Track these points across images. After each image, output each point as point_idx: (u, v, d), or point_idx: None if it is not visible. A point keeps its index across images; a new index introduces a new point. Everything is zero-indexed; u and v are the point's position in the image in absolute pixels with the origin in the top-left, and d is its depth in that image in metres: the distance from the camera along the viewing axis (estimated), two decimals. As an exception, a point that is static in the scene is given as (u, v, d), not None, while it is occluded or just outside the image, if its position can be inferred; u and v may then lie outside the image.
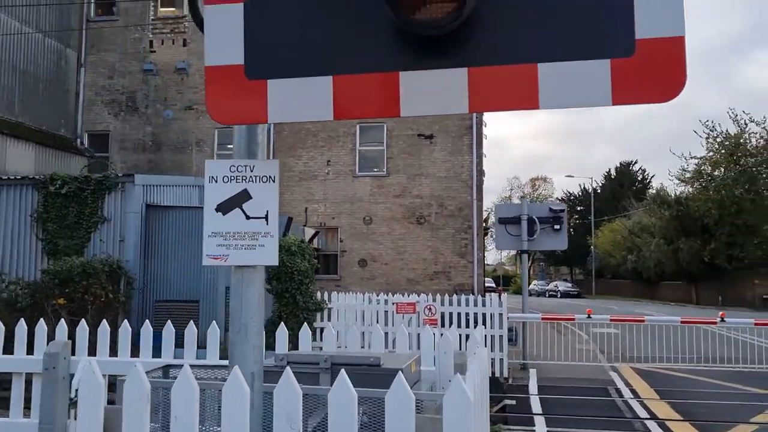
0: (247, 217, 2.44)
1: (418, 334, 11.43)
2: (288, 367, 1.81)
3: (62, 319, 4.54)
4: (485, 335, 11.95)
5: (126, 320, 4.59)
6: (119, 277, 14.73)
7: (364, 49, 2.14)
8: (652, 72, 2.00)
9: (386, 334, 11.66)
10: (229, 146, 23.71)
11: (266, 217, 2.44)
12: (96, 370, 1.82)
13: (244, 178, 2.44)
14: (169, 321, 4.36)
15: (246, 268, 2.43)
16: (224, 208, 2.45)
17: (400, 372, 1.89)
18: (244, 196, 2.43)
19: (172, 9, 24.93)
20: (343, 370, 1.84)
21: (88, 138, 23.61)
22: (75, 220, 15.14)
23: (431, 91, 2.10)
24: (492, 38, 2.07)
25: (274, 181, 2.44)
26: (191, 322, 4.40)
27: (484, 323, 12.59)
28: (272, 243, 2.43)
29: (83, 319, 4.52)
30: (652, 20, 2.01)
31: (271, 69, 2.21)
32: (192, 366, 3.83)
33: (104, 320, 4.53)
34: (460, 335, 7.40)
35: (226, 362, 4.09)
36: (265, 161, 2.48)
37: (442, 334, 3.71)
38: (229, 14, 2.24)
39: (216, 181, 2.46)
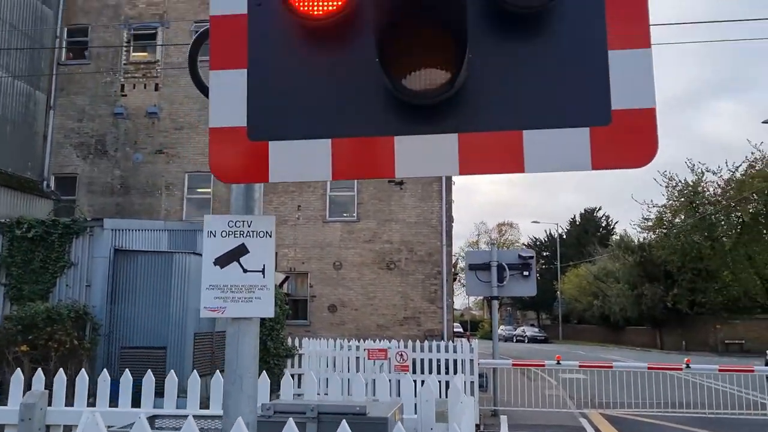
0: (245, 271, 2.52)
1: (389, 380, 11.43)
2: (291, 419, 1.87)
3: (39, 369, 4.49)
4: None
5: (104, 369, 4.56)
6: (85, 323, 14.46)
7: (362, 114, 2.29)
8: (627, 140, 2.19)
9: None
10: (198, 190, 23.67)
11: (263, 271, 2.53)
12: (100, 423, 1.87)
13: (241, 233, 2.54)
14: (149, 371, 4.34)
15: (242, 320, 2.51)
16: (222, 261, 2.54)
17: (399, 422, 1.98)
18: (241, 250, 2.53)
19: (145, 54, 25.08)
20: (344, 421, 1.91)
21: (54, 181, 23.36)
22: (41, 265, 14.88)
23: (424, 154, 2.24)
24: (481, 106, 2.24)
25: (271, 236, 2.54)
26: (171, 371, 4.39)
27: (455, 370, 12.64)
28: (268, 296, 2.51)
29: (61, 369, 4.48)
30: (626, 93, 2.20)
31: (272, 131, 2.33)
32: (175, 416, 3.83)
33: (83, 370, 4.49)
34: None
35: (207, 411, 4.09)
36: (262, 217, 2.59)
37: (423, 382, 3.78)
38: (233, 79, 2.36)
39: (214, 236, 2.54)
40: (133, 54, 25.00)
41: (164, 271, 15.68)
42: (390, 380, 11.56)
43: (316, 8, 2.22)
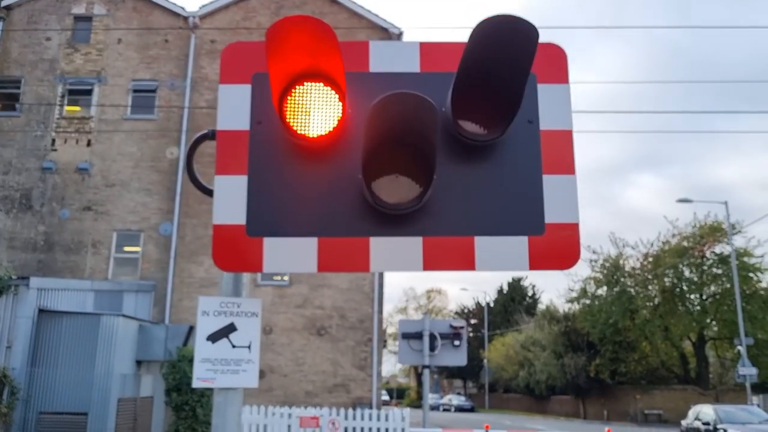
0: (233, 346, 2.88)
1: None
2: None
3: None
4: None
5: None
6: (3, 387, 13.92)
7: (344, 218, 2.76)
8: (557, 247, 2.74)
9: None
10: (126, 249, 23.28)
11: (249, 347, 2.89)
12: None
13: (231, 312, 2.91)
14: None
15: (229, 390, 2.84)
16: (213, 337, 2.88)
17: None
18: (231, 328, 2.89)
19: (79, 108, 24.90)
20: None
21: (-28, 235, 22.60)
22: (-41, 325, 14.33)
23: (394, 253, 2.72)
24: (442, 216, 2.76)
25: (257, 317, 2.92)
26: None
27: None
28: (254, 368, 2.86)
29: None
30: (557, 209, 2.78)
31: (267, 229, 2.75)
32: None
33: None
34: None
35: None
36: (249, 300, 2.96)
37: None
38: (235, 183, 2.79)
39: (207, 315, 2.90)
40: (67, 108, 24.79)
41: (90, 334, 15.33)
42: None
43: (310, 132, 2.71)
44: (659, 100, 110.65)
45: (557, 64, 2.91)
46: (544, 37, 2.60)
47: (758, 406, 27.85)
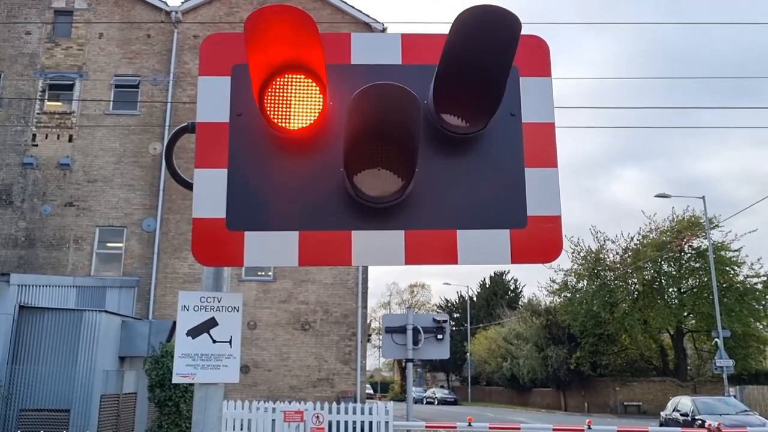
0: (214, 341, 2.84)
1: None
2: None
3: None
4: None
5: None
6: (-18, 384, 13.75)
7: (326, 212, 2.73)
8: (539, 240, 2.73)
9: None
10: (109, 244, 23.07)
11: (230, 341, 2.86)
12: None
13: (212, 307, 2.87)
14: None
15: (210, 385, 2.81)
16: (194, 332, 2.85)
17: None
18: (211, 323, 2.85)
19: (60, 104, 24.59)
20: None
21: (-50, 231, 22.29)
22: (-62, 322, 14.13)
23: (376, 247, 2.70)
24: (424, 209, 2.74)
25: (238, 311, 2.88)
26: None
27: (370, 431, 12.85)
28: (234, 363, 2.83)
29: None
30: (538, 202, 2.77)
31: (248, 223, 2.72)
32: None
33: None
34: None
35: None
36: (230, 294, 2.93)
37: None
38: (215, 176, 2.75)
39: (188, 310, 2.86)
40: (48, 103, 24.48)
41: (72, 330, 15.18)
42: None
43: (291, 124, 2.68)
44: (645, 93, 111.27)
45: (539, 57, 2.90)
46: (526, 31, 2.59)
47: (735, 397, 28.21)
